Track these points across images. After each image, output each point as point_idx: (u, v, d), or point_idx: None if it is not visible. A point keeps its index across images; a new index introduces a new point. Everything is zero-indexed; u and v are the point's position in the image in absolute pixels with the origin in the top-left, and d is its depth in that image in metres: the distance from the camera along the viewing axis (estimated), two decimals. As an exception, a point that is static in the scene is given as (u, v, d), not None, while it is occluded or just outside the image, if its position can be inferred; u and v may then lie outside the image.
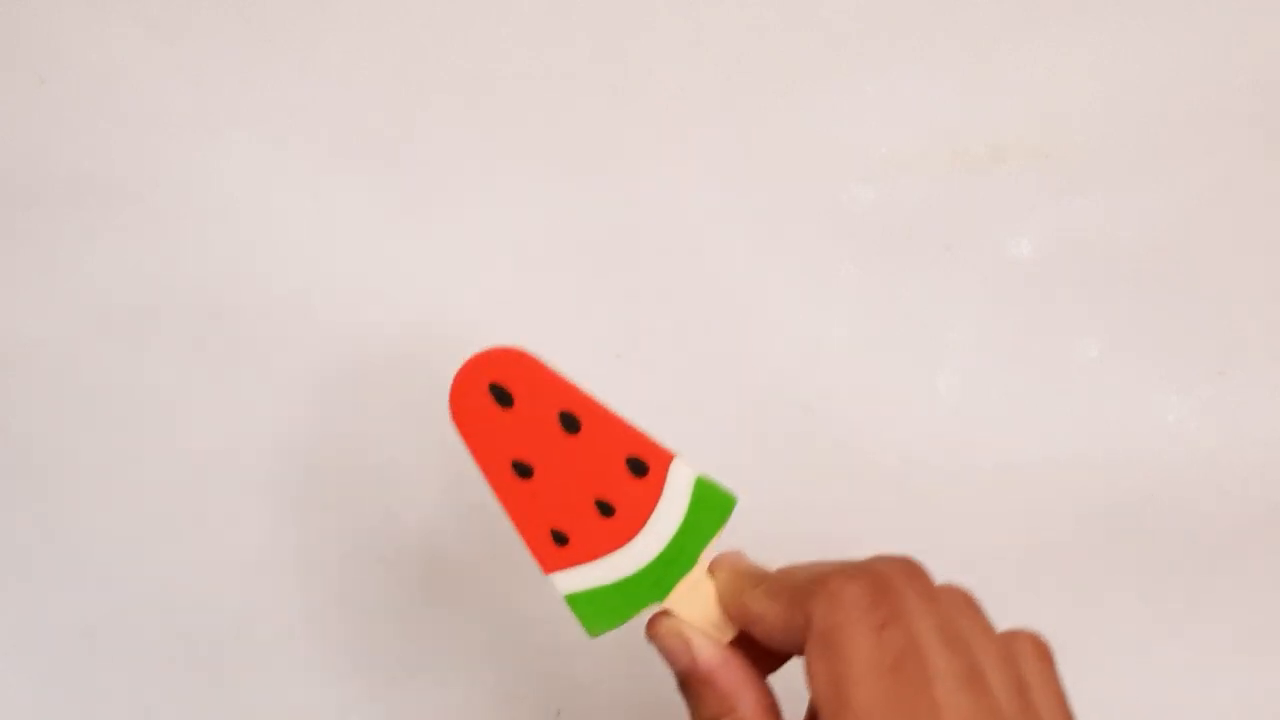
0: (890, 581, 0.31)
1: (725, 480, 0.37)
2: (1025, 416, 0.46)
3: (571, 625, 0.43)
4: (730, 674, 0.35)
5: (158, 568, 0.42)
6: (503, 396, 0.36)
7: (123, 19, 0.44)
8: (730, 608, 0.36)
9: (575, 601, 0.37)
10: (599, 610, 0.37)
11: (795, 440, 0.45)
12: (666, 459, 0.36)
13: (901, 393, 0.44)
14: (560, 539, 0.37)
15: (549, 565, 0.37)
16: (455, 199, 0.45)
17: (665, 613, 0.36)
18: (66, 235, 0.43)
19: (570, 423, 0.36)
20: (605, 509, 0.37)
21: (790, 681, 0.34)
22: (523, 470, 0.37)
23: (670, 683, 0.39)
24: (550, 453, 0.36)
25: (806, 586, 0.32)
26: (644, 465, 0.37)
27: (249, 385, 0.43)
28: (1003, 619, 0.45)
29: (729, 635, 0.36)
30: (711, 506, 0.37)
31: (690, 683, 0.35)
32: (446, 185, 0.45)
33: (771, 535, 0.38)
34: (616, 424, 0.37)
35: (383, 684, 0.42)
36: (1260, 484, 0.47)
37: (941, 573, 0.45)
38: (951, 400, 0.46)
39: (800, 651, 0.31)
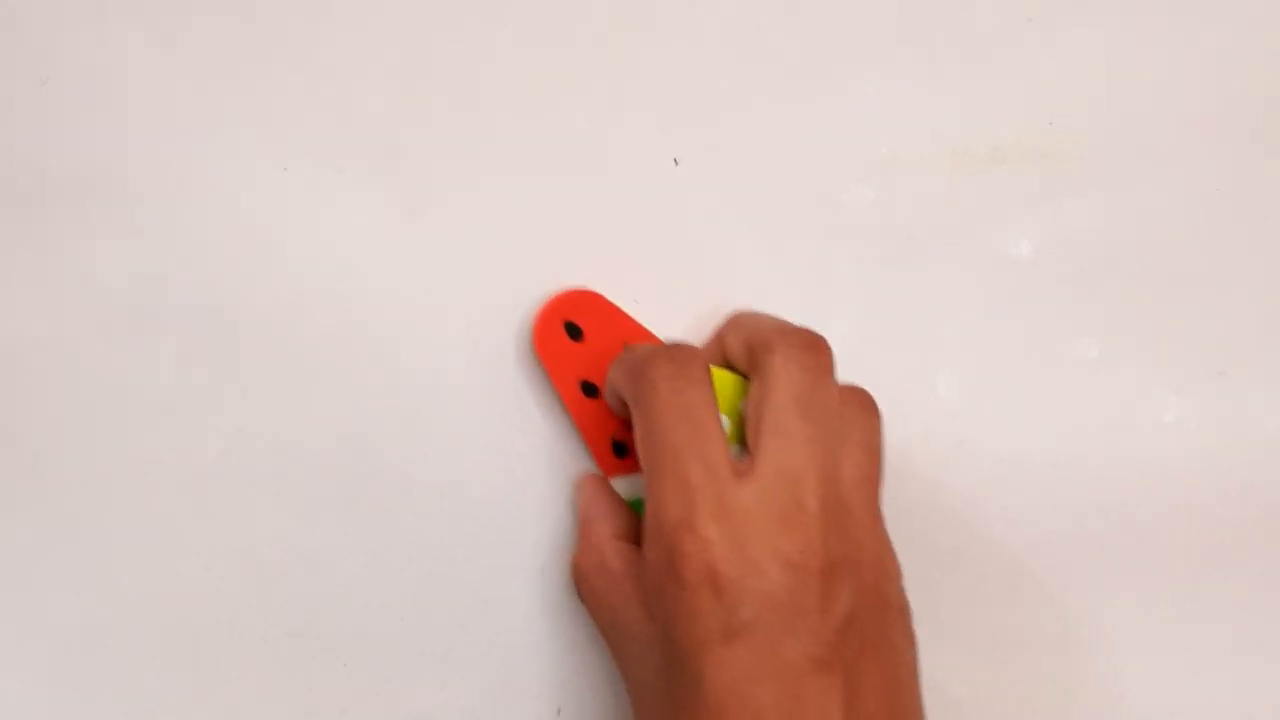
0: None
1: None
2: (1024, 416, 0.46)
3: (572, 624, 0.43)
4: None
5: (158, 568, 0.42)
6: (574, 331, 0.43)
7: (123, 19, 0.44)
8: None
9: (636, 505, 0.42)
10: None
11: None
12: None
13: (900, 393, 0.44)
14: (620, 451, 0.42)
15: (610, 471, 0.43)
16: (455, 198, 0.45)
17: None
18: (66, 235, 0.43)
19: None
20: None
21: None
22: (590, 390, 0.42)
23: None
24: None
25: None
26: None
27: (249, 385, 0.43)
28: (1001, 618, 0.45)
29: None
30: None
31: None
32: (447, 184, 0.45)
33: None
34: None
35: (383, 684, 0.42)
36: (1260, 484, 0.47)
37: (939, 571, 0.45)
38: (950, 400, 0.46)
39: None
